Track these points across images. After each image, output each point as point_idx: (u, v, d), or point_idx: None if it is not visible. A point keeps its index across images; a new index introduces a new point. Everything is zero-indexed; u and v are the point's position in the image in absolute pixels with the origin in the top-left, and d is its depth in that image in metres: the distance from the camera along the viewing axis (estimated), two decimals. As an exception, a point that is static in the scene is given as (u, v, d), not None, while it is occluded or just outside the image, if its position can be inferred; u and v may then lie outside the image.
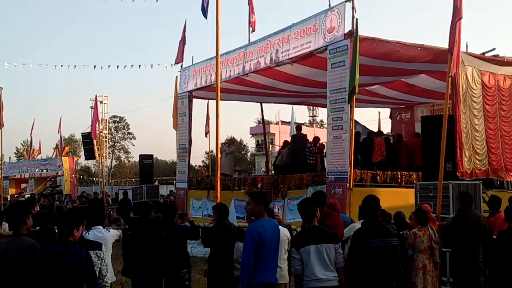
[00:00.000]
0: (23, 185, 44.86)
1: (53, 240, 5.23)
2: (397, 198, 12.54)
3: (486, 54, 15.34)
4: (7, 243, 5.30)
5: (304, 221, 6.16)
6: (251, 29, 17.91)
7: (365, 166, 15.57)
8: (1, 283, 5.17)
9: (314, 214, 6.00)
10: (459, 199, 9.25)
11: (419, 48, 13.87)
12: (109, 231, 7.19)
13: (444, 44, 11.88)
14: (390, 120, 23.12)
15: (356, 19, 12.76)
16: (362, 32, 12.72)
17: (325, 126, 15.37)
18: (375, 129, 22.02)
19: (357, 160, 15.97)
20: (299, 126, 19.10)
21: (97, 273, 5.44)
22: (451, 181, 10.92)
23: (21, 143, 70.75)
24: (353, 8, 12.90)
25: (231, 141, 21.69)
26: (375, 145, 16.41)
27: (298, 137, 18.09)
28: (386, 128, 23.57)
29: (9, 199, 30.35)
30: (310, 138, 18.40)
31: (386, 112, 23.64)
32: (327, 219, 7.56)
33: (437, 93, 17.16)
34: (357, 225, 7.91)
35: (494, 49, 15.60)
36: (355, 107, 13.40)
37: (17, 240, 5.25)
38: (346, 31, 13.08)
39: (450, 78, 10.91)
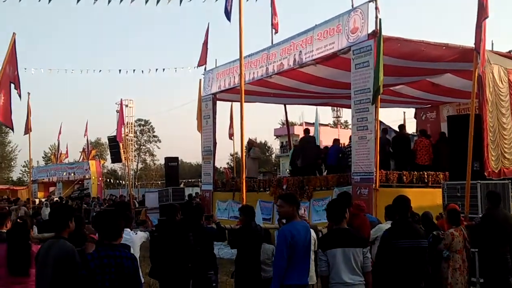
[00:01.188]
0: (51, 189, 45.52)
1: (100, 243, 5.19)
2: (424, 199, 12.43)
3: (512, 52, 15.16)
4: (48, 246, 5.39)
5: (333, 223, 6.05)
6: (274, 31, 17.96)
7: (403, 168, 14.87)
8: (41, 285, 5.28)
9: (343, 216, 5.89)
10: (488, 198, 9.13)
11: (444, 47, 13.75)
12: (136, 233, 7.25)
13: (469, 43, 11.78)
14: (415, 120, 22.93)
15: (380, 19, 12.72)
16: (386, 32, 12.67)
17: (350, 127, 15.31)
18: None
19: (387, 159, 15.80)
20: (307, 130, 19.13)
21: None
22: (479, 181, 10.81)
23: (49, 147, 71.63)
24: (376, 8, 12.87)
25: (250, 144, 21.68)
26: (420, 146, 15.78)
27: (306, 140, 18.20)
28: (411, 128, 23.40)
29: (37, 202, 30.77)
30: (333, 139, 18.42)
31: (411, 112, 23.49)
32: (353, 219, 7.52)
33: (463, 92, 16.96)
34: (384, 226, 7.88)
35: (521, 47, 15.39)
36: (380, 107, 13.34)
37: (57, 243, 5.35)
38: (369, 31, 13.04)
39: (476, 77, 10.79)
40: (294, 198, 6.15)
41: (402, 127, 17.78)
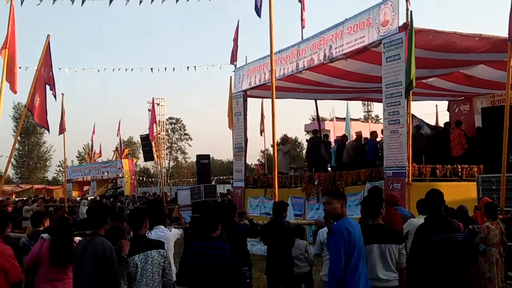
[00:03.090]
0: (85, 188, 46.33)
1: (200, 235, 5.78)
2: (458, 192, 12.27)
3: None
4: (85, 243, 5.51)
5: (369, 218, 5.95)
6: (302, 24, 17.90)
7: (443, 161, 14.60)
8: (79, 281, 5.40)
9: (379, 211, 5.81)
10: None
11: (476, 38, 13.53)
12: (170, 231, 7.33)
13: (503, 33, 11.56)
14: (448, 113, 22.61)
15: (411, 11, 12.58)
16: (417, 24, 12.52)
17: (381, 121, 15.20)
18: (433, 123, 21.59)
19: (426, 154, 15.64)
20: (315, 130, 19.55)
21: (161, 271, 5.61)
22: (514, 173, 10.63)
23: (82, 147, 72.86)
24: (407, 0, 12.72)
25: (284, 140, 21.72)
26: (453, 137, 15.66)
27: (314, 141, 19.17)
28: (444, 121, 23.05)
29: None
30: (366, 134, 18.30)
31: (443, 104, 23.19)
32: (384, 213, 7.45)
33: (497, 83, 16.67)
34: (416, 220, 7.80)
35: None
36: (412, 100, 13.20)
37: (94, 240, 5.46)
38: (400, 24, 12.91)
39: (511, 67, 10.60)
40: (341, 193, 5.96)
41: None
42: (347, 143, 18.18)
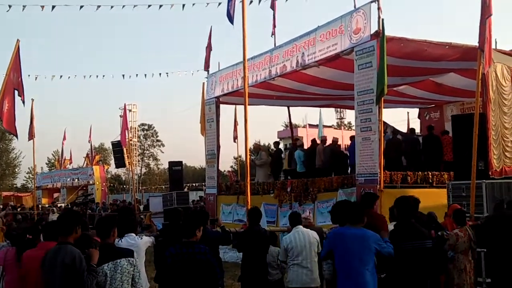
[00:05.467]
0: (55, 195, 45.57)
1: (177, 241, 5.81)
2: (428, 199, 12.30)
3: (516, 51, 15.09)
4: (54, 251, 5.37)
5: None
6: (272, 32, 17.94)
7: (432, 167, 14.80)
8: None
9: (361, 217, 5.89)
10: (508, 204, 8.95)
11: (447, 47, 13.72)
12: (141, 238, 7.22)
13: (472, 42, 11.74)
14: (419, 120, 22.87)
15: (382, 20, 12.68)
16: (389, 32, 12.64)
17: (353, 128, 15.30)
18: (404, 130, 21.77)
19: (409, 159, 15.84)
20: (277, 143, 21.04)
21: (131, 280, 5.51)
22: (484, 180, 10.76)
23: (52, 153, 71.85)
24: (378, 8, 12.84)
25: (257, 148, 21.74)
26: (446, 143, 15.56)
27: (276, 155, 20.04)
28: (416, 128, 23.31)
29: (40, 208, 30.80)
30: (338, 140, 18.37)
31: (414, 112, 23.42)
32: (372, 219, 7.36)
33: (467, 91, 16.91)
34: (389, 226, 7.82)
35: (524, 45, 15.37)
36: (383, 108, 13.30)
37: (64, 248, 5.33)
38: (372, 32, 13.01)
39: (480, 76, 10.75)
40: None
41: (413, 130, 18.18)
42: (317, 147, 18.03)
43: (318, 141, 18.73)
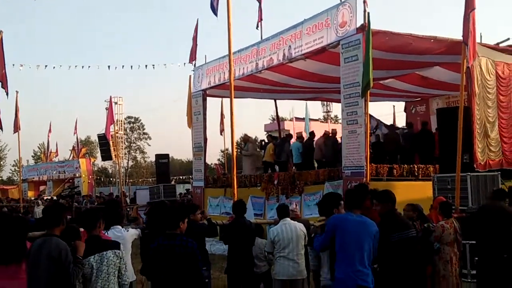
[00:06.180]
0: (41, 188, 45.32)
1: (161, 234, 5.73)
2: (414, 192, 12.47)
3: (500, 45, 15.22)
4: (39, 244, 5.33)
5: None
6: (258, 25, 17.90)
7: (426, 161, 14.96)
8: (33, 282, 5.24)
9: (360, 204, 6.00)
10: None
11: (432, 40, 13.80)
12: (128, 231, 7.22)
13: (457, 36, 11.81)
14: (405, 114, 23.02)
15: (368, 13, 12.74)
16: (375, 26, 12.69)
17: (340, 121, 15.36)
18: (390, 123, 21.89)
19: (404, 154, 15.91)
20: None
21: (117, 272, 5.52)
22: (469, 173, 10.86)
23: (38, 146, 71.36)
24: (364, 2, 12.88)
25: (245, 139, 21.72)
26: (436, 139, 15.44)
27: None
28: (401, 121, 23.48)
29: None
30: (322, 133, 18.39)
31: (400, 105, 23.57)
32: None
33: (452, 85, 17.05)
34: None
35: (508, 39, 15.51)
36: (370, 101, 13.37)
37: (49, 241, 5.31)
38: (358, 25, 13.06)
39: (465, 69, 10.84)
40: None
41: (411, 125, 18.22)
42: (315, 140, 18.02)
43: (320, 134, 18.47)
